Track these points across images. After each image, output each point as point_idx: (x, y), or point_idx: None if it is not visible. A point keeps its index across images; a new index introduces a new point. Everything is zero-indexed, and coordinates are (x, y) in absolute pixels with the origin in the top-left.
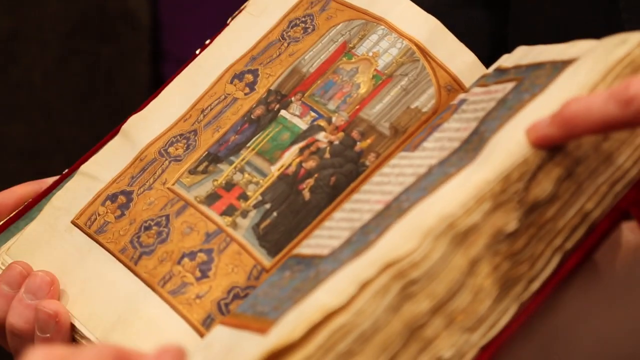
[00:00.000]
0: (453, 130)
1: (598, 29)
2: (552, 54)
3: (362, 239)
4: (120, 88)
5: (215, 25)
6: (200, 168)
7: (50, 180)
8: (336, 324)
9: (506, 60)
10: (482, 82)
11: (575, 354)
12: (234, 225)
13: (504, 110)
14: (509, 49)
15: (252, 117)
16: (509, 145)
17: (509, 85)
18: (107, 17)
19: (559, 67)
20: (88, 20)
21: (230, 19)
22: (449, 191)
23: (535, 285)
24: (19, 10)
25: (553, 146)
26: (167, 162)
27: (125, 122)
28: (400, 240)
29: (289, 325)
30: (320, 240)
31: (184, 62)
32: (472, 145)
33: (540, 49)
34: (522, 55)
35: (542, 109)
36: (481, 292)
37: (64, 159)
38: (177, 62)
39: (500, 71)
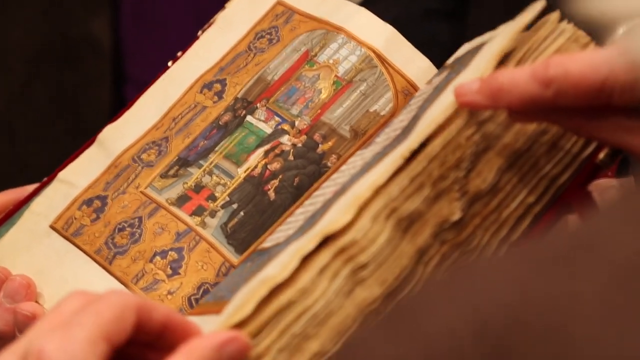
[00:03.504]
0: (398, 122)
1: None
2: (481, 39)
3: (310, 221)
4: (83, 111)
5: (175, 50)
6: (172, 172)
7: (31, 187)
8: (283, 299)
9: (451, 59)
10: (429, 80)
11: None
12: (203, 224)
13: (436, 92)
14: None
15: (220, 123)
16: (432, 114)
17: (444, 73)
18: (69, 43)
19: (481, 47)
20: (51, 46)
21: (200, 31)
22: (382, 165)
23: None
24: None
25: (481, 110)
26: (140, 167)
27: (100, 131)
28: (336, 214)
29: (238, 302)
30: (280, 233)
31: (146, 85)
32: (409, 128)
33: (475, 40)
34: (463, 50)
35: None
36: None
37: (27, 181)
38: (139, 85)
39: (444, 67)
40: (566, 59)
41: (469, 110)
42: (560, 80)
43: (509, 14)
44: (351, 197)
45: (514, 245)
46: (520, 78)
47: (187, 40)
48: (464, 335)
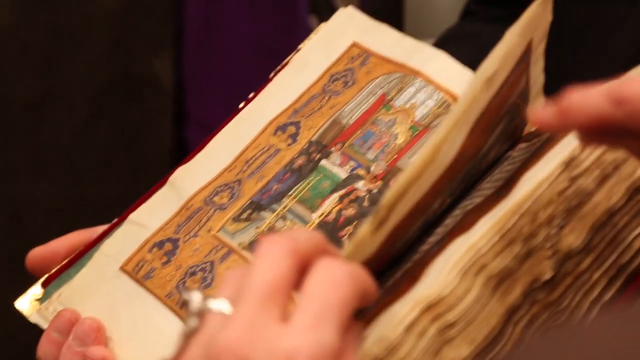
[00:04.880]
0: (491, 179)
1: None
2: None
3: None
4: (143, 148)
5: (235, 90)
6: (244, 216)
7: (101, 228)
8: (370, 355)
9: None
10: (527, 138)
11: None
12: None
13: (534, 153)
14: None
15: (294, 166)
16: (530, 182)
17: (545, 135)
18: (132, 81)
19: None
20: (114, 84)
21: (273, 73)
22: (479, 227)
23: None
24: (49, 74)
25: (552, 132)
26: (212, 210)
27: (172, 173)
28: (434, 277)
29: None
30: None
31: (206, 124)
32: (507, 187)
33: None
34: None
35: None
36: (521, 342)
37: (89, 217)
38: (199, 124)
39: None
40: None
41: (564, 164)
42: (634, 101)
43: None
44: (448, 260)
45: (613, 309)
46: (592, 96)
47: (247, 80)
48: None
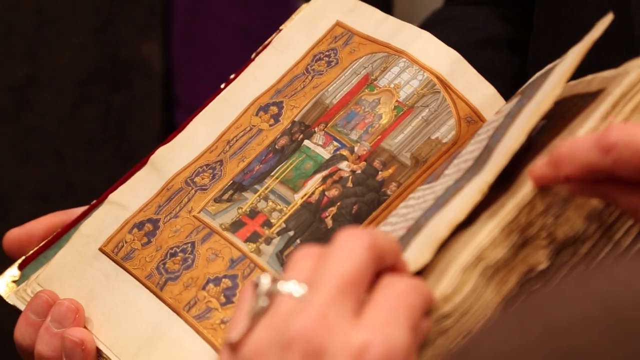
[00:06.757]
0: (468, 153)
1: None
2: (551, 65)
3: None
4: (132, 134)
5: (225, 75)
6: (226, 196)
7: (79, 210)
8: None
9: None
10: (499, 110)
11: None
12: (258, 251)
13: (508, 119)
14: None
15: (277, 147)
16: (507, 144)
17: (515, 100)
18: (120, 65)
19: (552, 70)
20: (102, 68)
21: (254, 54)
22: (458, 200)
23: None
24: (35, 58)
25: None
26: (193, 191)
27: (153, 153)
28: (414, 254)
29: None
30: None
31: (195, 109)
32: (482, 159)
33: (546, 67)
34: (534, 77)
35: (534, 107)
36: None
37: (76, 203)
38: (188, 109)
39: (515, 94)
40: (631, 126)
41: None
42: (622, 147)
43: (571, 45)
44: (428, 235)
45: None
46: (581, 145)
47: (236, 64)
48: (600, 326)
